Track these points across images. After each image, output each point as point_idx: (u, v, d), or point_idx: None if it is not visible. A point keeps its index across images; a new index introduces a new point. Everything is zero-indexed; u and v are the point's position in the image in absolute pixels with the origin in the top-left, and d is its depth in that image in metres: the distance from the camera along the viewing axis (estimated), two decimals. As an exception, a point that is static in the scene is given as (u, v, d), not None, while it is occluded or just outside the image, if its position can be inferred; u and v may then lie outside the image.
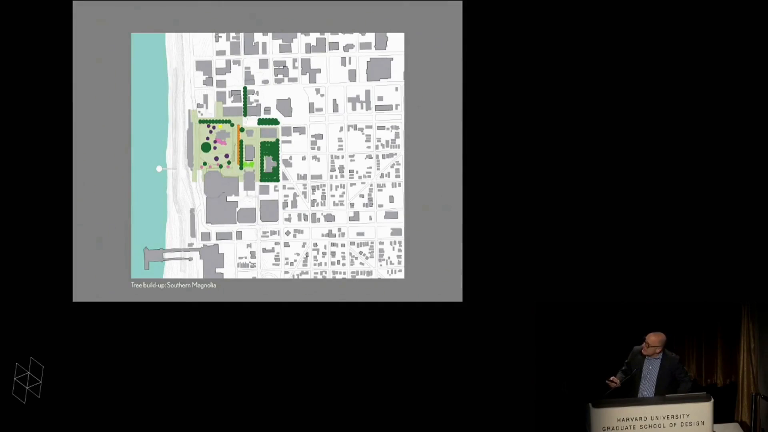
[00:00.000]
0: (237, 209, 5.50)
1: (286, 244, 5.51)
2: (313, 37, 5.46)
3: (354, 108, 5.47)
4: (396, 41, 5.44)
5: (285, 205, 5.51)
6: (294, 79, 5.48)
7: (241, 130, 5.49)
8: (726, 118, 5.52)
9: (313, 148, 5.49)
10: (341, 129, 5.48)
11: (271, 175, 5.50)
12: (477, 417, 5.63)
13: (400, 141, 5.46)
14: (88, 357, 5.61)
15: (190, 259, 5.48)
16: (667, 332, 5.48)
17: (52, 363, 5.53)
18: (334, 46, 5.46)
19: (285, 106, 5.49)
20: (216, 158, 5.49)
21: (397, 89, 5.45)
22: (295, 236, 5.51)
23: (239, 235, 5.49)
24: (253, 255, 5.49)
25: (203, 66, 5.46)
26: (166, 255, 5.46)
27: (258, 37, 5.46)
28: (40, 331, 5.55)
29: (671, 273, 5.64)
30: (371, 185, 5.49)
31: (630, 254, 5.61)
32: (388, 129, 5.47)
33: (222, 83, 5.47)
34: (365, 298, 5.48)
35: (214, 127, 5.49)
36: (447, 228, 5.43)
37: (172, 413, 5.62)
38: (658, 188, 5.59)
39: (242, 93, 5.48)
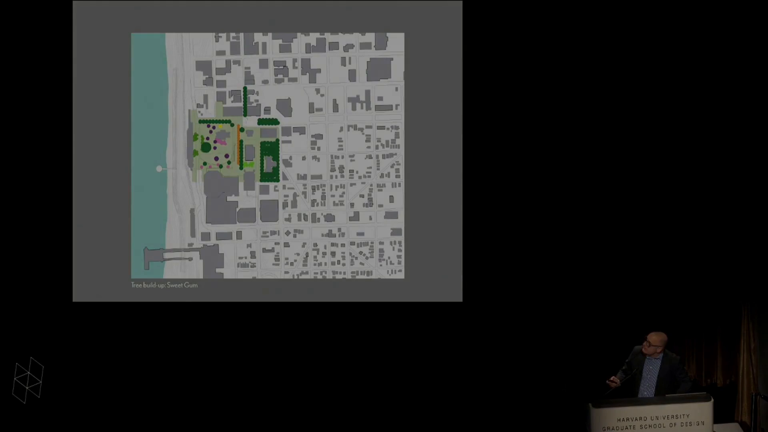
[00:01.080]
0: (237, 209, 5.50)
1: (286, 244, 5.51)
2: (313, 37, 5.45)
3: (354, 108, 5.47)
4: (396, 41, 5.44)
5: (285, 205, 5.51)
6: (294, 79, 5.48)
7: (241, 130, 5.49)
8: (726, 119, 5.52)
9: (313, 148, 5.49)
10: (341, 129, 5.48)
11: (271, 175, 5.50)
12: (477, 416, 5.64)
13: (400, 141, 5.46)
14: (88, 357, 5.61)
15: (190, 259, 5.48)
16: (667, 332, 5.49)
17: (52, 363, 5.53)
18: (334, 46, 5.46)
19: (285, 106, 5.49)
20: (216, 158, 5.49)
21: (397, 89, 5.45)
22: (295, 236, 5.51)
23: (239, 235, 5.49)
24: (253, 255, 5.49)
25: (203, 66, 5.46)
26: (166, 255, 5.46)
27: (258, 37, 5.46)
28: (40, 331, 5.56)
29: (671, 273, 5.65)
30: (371, 185, 5.49)
31: (629, 255, 5.62)
32: (388, 129, 5.47)
33: (222, 83, 5.47)
34: (365, 298, 5.47)
35: (214, 127, 5.49)
36: (447, 228, 5.43)
37: (172, 412, 5.62)
38: (658, 189, 5.59)
39: (242, 93, 5.48)
